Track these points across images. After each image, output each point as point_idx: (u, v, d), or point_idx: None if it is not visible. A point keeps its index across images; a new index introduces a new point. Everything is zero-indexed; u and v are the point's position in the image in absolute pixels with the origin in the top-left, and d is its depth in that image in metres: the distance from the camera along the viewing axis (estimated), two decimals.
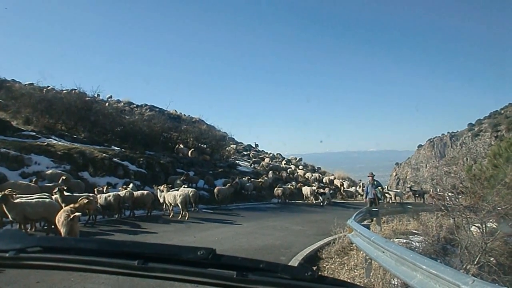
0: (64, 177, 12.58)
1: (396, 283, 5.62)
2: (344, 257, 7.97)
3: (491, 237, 6.55)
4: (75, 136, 20.59)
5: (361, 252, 7.15)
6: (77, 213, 7.77)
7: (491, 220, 7.31)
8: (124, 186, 14.36)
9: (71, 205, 8.25)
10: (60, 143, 17.49)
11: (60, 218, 7.68)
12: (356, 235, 5.99)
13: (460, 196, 9.90)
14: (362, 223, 7.50)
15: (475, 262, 6.26)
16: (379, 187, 15.57)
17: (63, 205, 9.43)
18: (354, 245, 9.21)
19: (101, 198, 12.19)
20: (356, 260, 6.94)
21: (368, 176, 16.24)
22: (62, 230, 7.51)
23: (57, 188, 10.78)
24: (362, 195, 26.97)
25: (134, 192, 13.10)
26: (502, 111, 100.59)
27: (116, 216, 12.49)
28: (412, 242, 9.49)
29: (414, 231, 11.58)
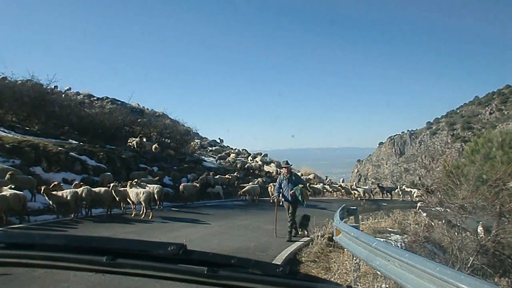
0: (10, 173, 11.23)
1: None
2: (328, 260, 7.40)
3: (485, 237, 6.17)
4: (27, 128, 18.94)
5: (348, 256, 6.61)
6: None
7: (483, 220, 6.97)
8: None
9: None
10: (9, 135, 15.93)
11: None
12: (348, 239, 5.36)
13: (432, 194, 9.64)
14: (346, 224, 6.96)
15: (469, 265, 5.85)
16: (300, 185, 9.92)
17: None
18: (333, 246, 8.74)
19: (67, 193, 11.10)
20: (348, 266, 6.33)
21: (282, 168, 10.83)
22: None
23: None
24: (329, 192, 26.58)
25: (92, 189, 11.97)
26: (458, 111, 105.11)
27: (72, 215, 11.32)
28: (391, 242, 9.11)
29: (390, 229, 11.27)
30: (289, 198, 9.78)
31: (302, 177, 27.77)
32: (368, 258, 4.18)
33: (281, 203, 10.24)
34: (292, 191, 9.65)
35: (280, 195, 10.03)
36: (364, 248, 4.46)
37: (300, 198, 9.64)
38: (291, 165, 10.58)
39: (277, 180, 10.55)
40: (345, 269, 5.99)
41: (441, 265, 3.04)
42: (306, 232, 10.29)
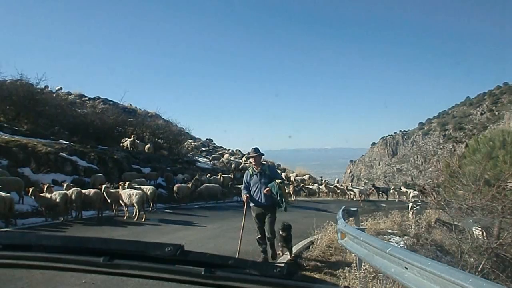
0: None
1: None
2: (330, 264, 7.08)
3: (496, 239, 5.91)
4: (16, 128, 18.39)
5: (353, 259, 6.31)
6: None
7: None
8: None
9: None
10: None
11: None
12: (356, 243, 5.05)
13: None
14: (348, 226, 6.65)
15: (479, 269, 5.58)
16: (278, 180, 6.93)
17: None
18: (333, 249, 8.44)
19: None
20: (352, 268, 6.02)
21: (249, 158, 7.86)
22: None
23: None
24: (325, 192, 26.24)
25: (82, 191, 11.54)
26: (450, 111, 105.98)
27: (62, 218, 10.90)
28: (394, 244, 8.85)
29: (390, 230, 11.01)
30: (262, 201, 6.84)
31: (296, 177, 27.42)
32: (382, 265, 3.87)
33: (250, 208, 7.26)
34: (267, 188, 6.72)
35: (250, 193, 7.03)
36: (376, 254, 4.15)
37: (278, 198, 6.72)
38: (263, 154, 7.27)
39: (244, 178, 7.36)
40: (352, 274, 5.69)
41: (472, 275, 2.75)
42: (288, 252, 7.59)
